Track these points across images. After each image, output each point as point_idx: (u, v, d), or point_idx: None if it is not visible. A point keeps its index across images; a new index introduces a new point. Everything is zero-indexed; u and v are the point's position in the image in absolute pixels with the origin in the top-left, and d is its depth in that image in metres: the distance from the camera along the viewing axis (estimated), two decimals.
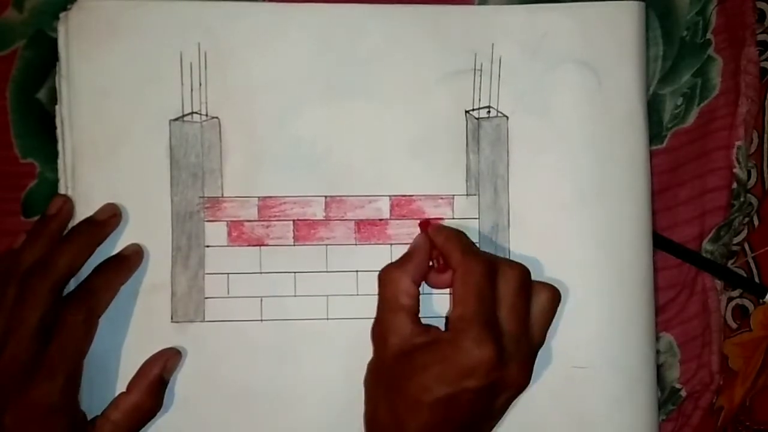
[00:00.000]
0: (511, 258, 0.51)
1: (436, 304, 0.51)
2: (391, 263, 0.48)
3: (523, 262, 0.49)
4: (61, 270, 0.46)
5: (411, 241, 0.51)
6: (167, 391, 0.49)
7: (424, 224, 0.50)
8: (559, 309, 0.50)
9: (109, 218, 0.49)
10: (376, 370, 0.47)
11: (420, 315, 0.46)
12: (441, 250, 0.48)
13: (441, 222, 0.51)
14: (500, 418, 0.47)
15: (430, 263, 0.49)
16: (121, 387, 0.49)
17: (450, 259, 0.46)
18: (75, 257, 0.47)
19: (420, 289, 0.47)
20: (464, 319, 0.44)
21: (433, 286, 0.49)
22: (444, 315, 0.51)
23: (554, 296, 0.47)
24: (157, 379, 0.48)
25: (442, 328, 0.47)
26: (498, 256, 0.48)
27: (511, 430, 0.50)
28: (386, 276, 0.47)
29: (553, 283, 0.48)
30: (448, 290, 0.50)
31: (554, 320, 0.50)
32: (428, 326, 0.46)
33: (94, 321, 0.46)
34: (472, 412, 0.44)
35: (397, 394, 0.44)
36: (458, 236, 0.48)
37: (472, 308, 0.44)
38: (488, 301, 0.44)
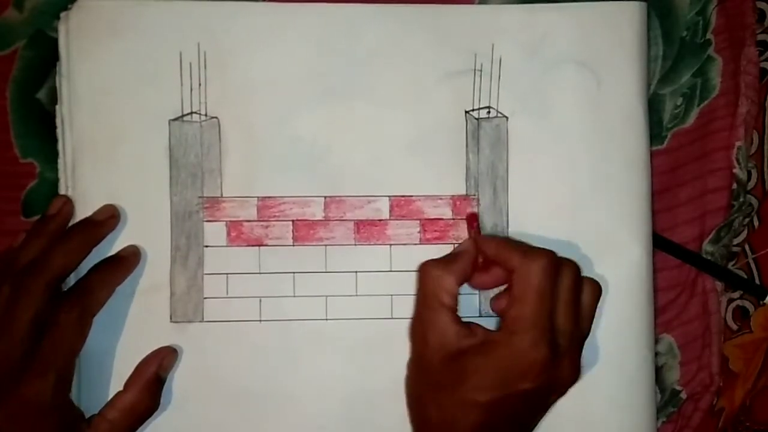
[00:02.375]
0: None
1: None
2: (433, 259, 0.47)
3: None
4: (56, 269, 0.46)
5: (410, 241, 0.51)
6: (166, 391, 0.49)
7: (471, 217, 0.50)
8: None
9: (107, 219, 0.49)
10: (420, 370, 0.47)
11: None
12: (496, 259, 0.47)
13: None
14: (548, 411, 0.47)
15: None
16: (119, 387, 0.49)
17: (509, 262, 0.45)
18: (70, 256, 0.47)
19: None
20: (521, 319, 0.43)
21: (475, 287, 0.49)
22: (492, 311, 0.50)
23: (598, 290, 0.47)
24: (153, 377, 0.48)
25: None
26: (555, 253, 0.46)
27: None
28: (428, 271, 0.46)
29: None
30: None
31: None
32: (471, 325, 0.45)
33: (88, 320, 0.46)
34: (527, 409, 0.45)
35: (448, 395, 0.44)
36: (510, 241, 0.48)
37: (531, 308, 0.43)
38: (548, 301, 0.44)
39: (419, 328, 0.46)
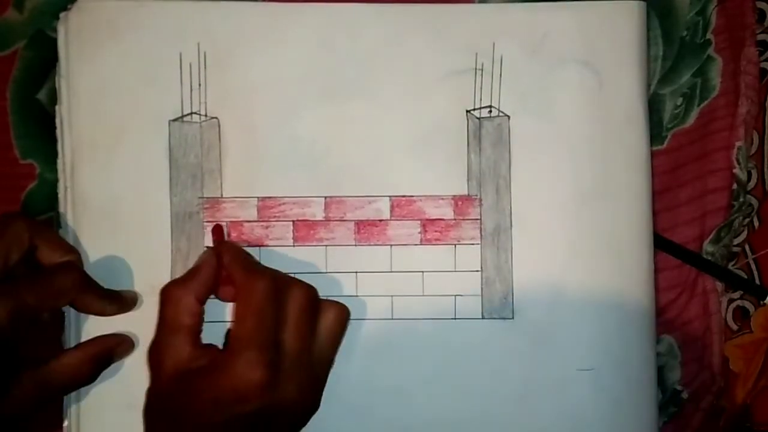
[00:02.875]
0: (514, 259, 0.51)
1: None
2: (173, 280, 0.46)
3: (523, 263, 0.49)
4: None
5: (411, 241, 0.51)
6: None
7: (216, 229, 0.49)
8: (559, 309, 0.50)
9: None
10: (153, 397, 0.44)
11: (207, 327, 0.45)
12: (226, 268, 0.46)
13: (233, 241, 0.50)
14: None
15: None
16: (119, 387, 0.49)
17: (234, 277, 0.45)
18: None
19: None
20: (240, 339, 0.42)
21: (223, 300, 0.48)
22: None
23: (341, 314, 0.46)
24: (105, 353, 0.48)
25: None
26: (287, 275, 0.46)
27: (512, 430, 0.50)
28: (167, 294, 0.45)
29: (553, 285, 0.48)
30: None
31: (555, 321, 0.50)
32: (208, 347, 0.44)
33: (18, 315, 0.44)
34: None
35: (177, 421, 0.42)
36: (243, 254, 0.47)
37: (249, 328, 0.42)
38: (268, 321, 0.43)
39: (155, 354, 0.44)
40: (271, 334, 0.43)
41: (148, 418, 0.44)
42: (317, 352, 0.45)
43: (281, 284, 0.44)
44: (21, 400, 0.44)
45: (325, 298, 0.47)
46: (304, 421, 0.45)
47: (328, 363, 0.46)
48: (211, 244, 0.50)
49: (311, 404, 0.45)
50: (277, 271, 0.46)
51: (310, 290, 0.45)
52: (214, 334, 0.46)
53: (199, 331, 0.45)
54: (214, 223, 0.50)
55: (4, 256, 0.45)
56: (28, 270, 0.47)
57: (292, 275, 0.50)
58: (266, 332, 0.43)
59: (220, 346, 0.45)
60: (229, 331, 0.46)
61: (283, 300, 0.44)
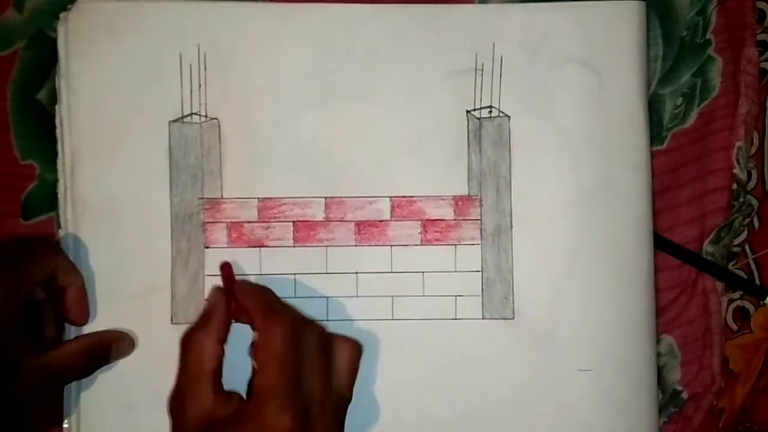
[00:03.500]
0: (515, 259, 0.51)
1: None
2: (192, 327, 0.46)
3: (525, 264, 0.49)
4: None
5: (411, 242, 0.51)
6: (167, 392, 0.49)
7: (225, 267, 0.48)
8: (559, 309, 0.50)
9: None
10: None
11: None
12: (245, 306, 0.46)
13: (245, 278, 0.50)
14: None
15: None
16: (120, 388, 0.49)
17: (253, 319, 0.45)
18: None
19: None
20: (266, 388, 0.42)
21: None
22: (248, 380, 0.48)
23: (355, 349, 0.46)
24: (101, 343, 0.48)
25: None
26: (302, 316, 0.46)
27: (512, 430, 0.50)
28: (190, 342, 0.45)
29: (554, 285, 0.48)
30: None
31: (555, 321, 0.50)
32: (230, 394, 0.44)
33: None
34: None
35: None
36: (260, 294, 0.47)
37: (274, 376, 0.42)
38: (291, 367, 0.42)
39: (179, 400, 0.44)
40: (295, 380, 0.42)
41: None
42: (336, 388, 0.45)
43: (299, 326, 0.44)
44: (22, 387, 0.44)
45: (335, 333, 0.46)
46: None
47: (348, 397, 0.46)
48: (211, 245, 0.51)
49: None
50: (294, 310, 0.46)
51: (322, 329, 0.45)
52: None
53: (221, 375, 0.44)
54: (223, 262, 0.49)
55: (30, 281, 0.46)
56: (45, 293, 0.48)
57: (293, 275, 0.51)
58: (291, 379, 0.42)
59: (242, 393, 0.45)
60: (251, 380, 0.45)
61: (301, 343, 0.44)
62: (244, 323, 0.46)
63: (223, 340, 0.45)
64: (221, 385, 0.44)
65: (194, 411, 0.43)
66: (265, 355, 0.43)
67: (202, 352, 0.44)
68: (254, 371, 0.43)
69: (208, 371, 0.44)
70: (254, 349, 0.44)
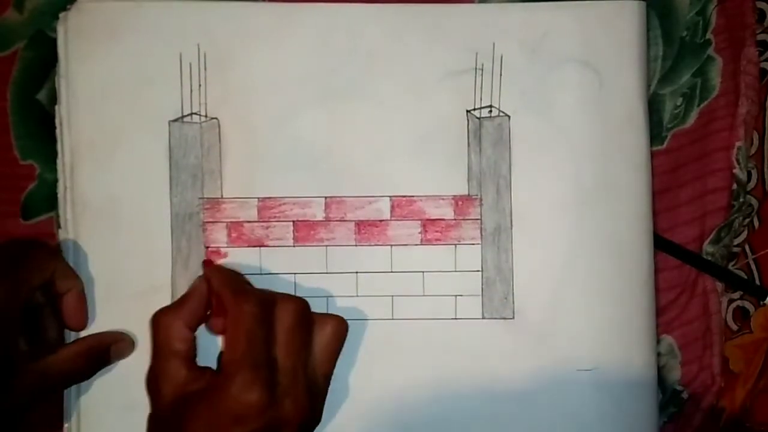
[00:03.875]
0: (514, 259, 0.51)
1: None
2: (164, 307, 0.47)
3: (525, 264, 0.49)
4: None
5: (411, 241, 0.51)
6: None
7: (207, 264, 0.50)
8: (559, 309, 0.50)
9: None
10: (154, 422, 0.45)
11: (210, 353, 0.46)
12: (217, 293, 0.46)
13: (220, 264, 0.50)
14: None
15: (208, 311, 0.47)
16: (120, 389, 0.49)
17: (224, 301, 0.45)
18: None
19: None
20: (233, 362, 0.42)
21: (212, 332, 0.48)
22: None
23: (339, 327, 0.47)
24: (100, 345, 0.48)
25: None
26: (276, 293, 0.46)
27: (512, 430, 0.50)
28: (158, 321, 0.45)
29: (554, 285, 0.48)
30: None
31: (555, 321, 0.50)
32: (204, 369, 0.45)
33: None
34: None
35: None
36: (231, 277, 0.47)
37: (241, 350, 0.43)
38: (258, 341, 0.43)
39: (152, 380, 0.45)
40: (262, 353, 0.43)
41: None
42: (314, 367, 0.45)
43: (269, 303, 0.45)
44: (22, 390, 0.44)
45: (321, 312, 0.47)
46: None
47: (326, 376, 0.46)
48: (211, 245, 0.50)
49: (311, 418, 0.45)
50: (265, 290, 0.47)
51: (300, 305, 0.45)
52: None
53: (194, 356, 0.45)
54: (207, 258, 0.50)
55: (29, 285, 0.46)
56: (45, 297, 0.48)
57: (292, 274, 0.51)
58: (258, 352, 0.43)
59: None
60: (221, 355, 0.47)
61: (272, 318, 0.44)
62: (220, 316, 0.46)
63: (192, 326, 0.46)
64: (195, 363, 0.45)
65: (168, 387, 0.44)
66: (233, 331, 0.43)
67: (169, 332, 0.45)
68: (224, 346, 0.44)
69: (177, 350, 0.44)
70: (222, 327, 0.45)
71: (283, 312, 0.44)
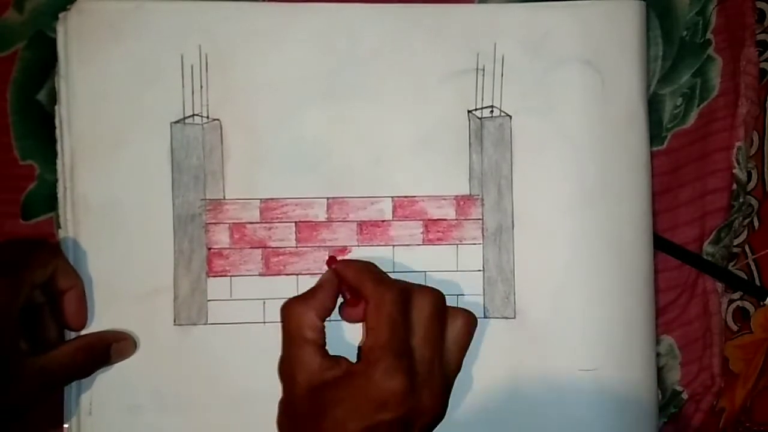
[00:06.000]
0: (516, 259, 0.51)
1: (348, 334, 0.50)
2: (294, 297, 0.47)
3: (527, 264, 0.49)
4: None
5: (413, 242, 0.51)
6: (170, 393, 0.49)
7: (331, 260, 0.50)
8: (560, 309, 0.50)
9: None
10: (287, 408, 0.46)
11: (330, 347, 0.45)
12: (353, 284, 0.47)
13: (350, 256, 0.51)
14: None
15: (340, 299, 0.48)
16: (122, 389, 0.49)
17: (363, 291, 0.46)
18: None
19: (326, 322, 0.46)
20: (375, 349, 0.43)
21: (347, 321, 0.48)
22: (357, 345, 0.50)
23: (469, 321, 0.47)
24: (100, 342, 0.48)
25: (354, 358, 0.46)
26: (413, 284, 0.47)
27: (512, 430, 0.50)
28: (289, 310, 0.46)
29: (555, 284, 0.48)
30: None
31: (556, 321, 0.50)
32: (337, 358, 0.45)
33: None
34: None
35: (313, 429, 0.43)
36: (368, 267, 0.47)
37: (384, 338, 0.43)
38: (400, 329, 0.43)
39: (286, 367, 0.46)
40: (404, 342, 0.43)
41: (282, 428, 0.46)
42: (446, 359, 0.46)
43: (408, 293, 0.45)
44: (23, 387, 0.44)
45: (453, 306, 0.47)
46: (433, 428, 0.45)
47: (456, 369, 0.46)
48: (212, 246, 0.50)
49: (441, 410, 0.45)
50: (404, 281, 0.47)
51: (437, 296, 0.46)
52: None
53: (324, 344, 0.45)
54: (330, 256, 0.51)
55: (30, 283, 0.46)
56: (45, 296, 0.48)
57: (295, 275, 0.50)
58: (400, 341, 0.43)
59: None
60: (361, 345, 0.47)
61: (411, 308, 0.44)
62: (354, 306, 0.47)
63: (321, 316, 0.46)
64: (326, 350, 0.45)
65: (303, 374, 0.44)
66: (375, 318, 0.44)
67: (301, 321, 0.45)
68: (365, 335, 0.45)
69: (309, 339, 0.45)
70: (366, 318, 0.45)
71: (421, 302, 0.45)
